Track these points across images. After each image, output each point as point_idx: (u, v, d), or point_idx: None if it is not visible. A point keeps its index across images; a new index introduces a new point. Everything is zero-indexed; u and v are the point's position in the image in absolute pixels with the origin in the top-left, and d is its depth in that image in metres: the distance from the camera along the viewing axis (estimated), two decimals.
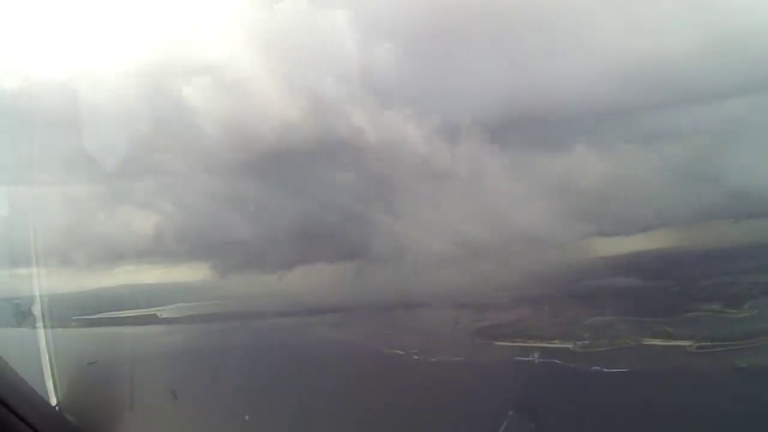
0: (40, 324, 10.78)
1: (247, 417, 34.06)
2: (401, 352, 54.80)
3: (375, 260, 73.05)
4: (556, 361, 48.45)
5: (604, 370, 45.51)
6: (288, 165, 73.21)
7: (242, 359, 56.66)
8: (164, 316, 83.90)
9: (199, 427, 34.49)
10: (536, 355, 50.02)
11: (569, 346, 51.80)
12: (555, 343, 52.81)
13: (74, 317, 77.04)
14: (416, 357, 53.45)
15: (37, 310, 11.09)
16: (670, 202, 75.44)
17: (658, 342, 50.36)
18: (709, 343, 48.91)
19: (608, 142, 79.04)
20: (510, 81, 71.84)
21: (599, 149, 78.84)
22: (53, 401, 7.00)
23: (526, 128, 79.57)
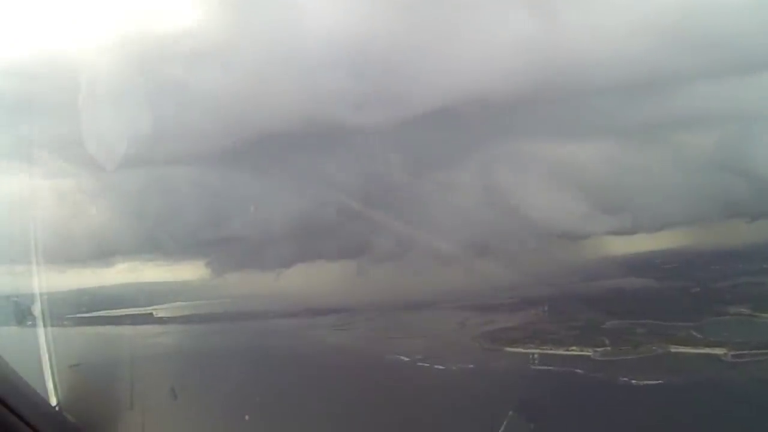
0: (40, 323, 10.15)
1: (247, 417, 31.54)
2: (405, 358, 49.01)
3: (377, 258, 67.90)
4: (578, 371, 42.30)
5: (633, 382, 39.25)
6: (282, 152, 67.29)
7: (238, 364, 52.18)
8: (163, 315, 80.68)
9: (199, 426, 32.51)
10: (554, 364, 43.97)
11: (589, 353, 45.76)
12: (573, 350, 46.80)
13: (74, 315, 74.51)
14: (421, 364, 47.60)
15: (36, 309, 10.38)
16: (689, 198, 69.31)
17: (687, 349, 44.28)
18: (744, 351, 42.76)
19: (627, 126, 72.05)
20: (519, 50, 64.29)
21: (615, 135, 72.32)
22: (53, 401, 6.44)
23: (536, 107, 71.82)
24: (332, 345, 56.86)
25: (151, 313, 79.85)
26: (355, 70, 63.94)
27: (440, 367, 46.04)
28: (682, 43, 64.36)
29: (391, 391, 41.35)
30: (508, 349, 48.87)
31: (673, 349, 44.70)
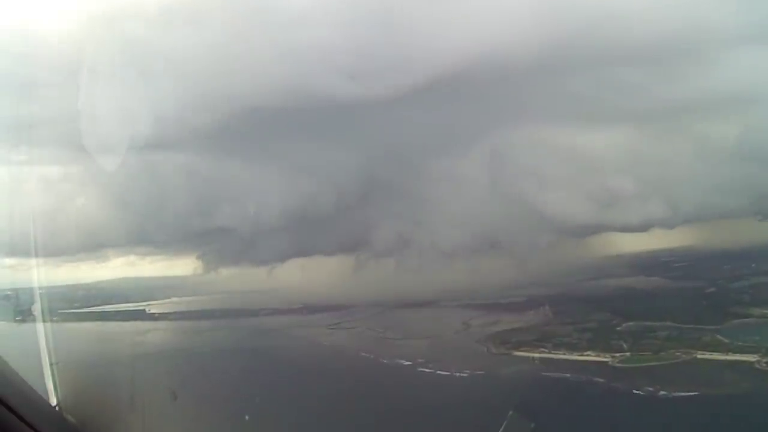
0: (39, 320, 9.74)
1: (246, 417, 29.86)
2: (405, 362, 43.60)
3: (376, 252, 62.81)
4: (599, 379, 36.78)
5: (661, 393, 33.64)
6: (267, 131, 60.83)
7: (233, 365, 47.58)
8: (162, 311, 76.98)
9: (197, 424, 30.56)
10: (569, 371, 38.54)
11: (606, 359, 40.42)
12: (588, 356, 41.43)
13: (72, 310, 71.45)
14: (422, 369, 42.14)
15: (35, 306, 9.96)
16: (706, 193, 63.88)
17: (715, 356, 38.94)
18: None
19: (647, 104, 65.51)
20: (531, 12, 56.45)
21: (631, 122, 65.99)
22: (53, 401, 6.18)
23: (548, 79, 64.74)
24: (328, 346, 51.54)
25: (150, 310, 76.31)
26: (347, 33, 56.99)
27: (444, 373, 40.51)
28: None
29: (391, 401, 35.83)
30: (517, 353, 43.45)
31: (700, 355, 39.30)
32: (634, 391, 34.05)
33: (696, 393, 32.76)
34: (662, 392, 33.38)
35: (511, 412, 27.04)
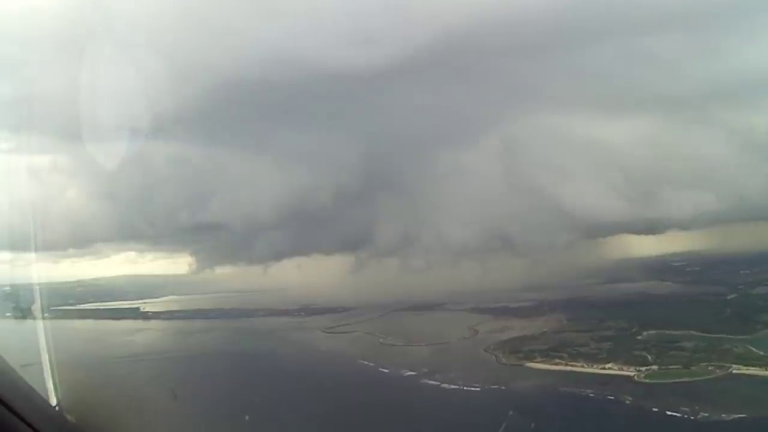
0: (39, 320, 9.63)
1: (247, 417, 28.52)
2: (410, 373, 38.55)
3: (378, 251, 58.27)
4: (626, 397, 31.55)
5: (701, 415, 28.29)
6: (258, 110, 55.58)
7: (230, 367, 43.63)
8: (162, 309, 72.54)
9: (197, 424, 29.47)
10: (590, 387, 33.28)
11: (631, 373, 35.32)
12: (610, 369, 36.31)
13: (71, 307, 67.91)
14: (427, 380, 37.06)
15: (36, 307, 9.85)
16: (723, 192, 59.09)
17: (754, 371, 33.76)
18: None
19: (671, 93, 60.40)
20: None
21: (655, 108, 60.90)
22: (53, 401, 5.68)
23: (566, 59, 59.21)
24: (324, 351, 46.65)
25: (148, 307, 72.24)
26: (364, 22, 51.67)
27: (450, 386, 35.33)
28: None
29: (393, 419, 30.71)
30: (531, 364, 38.34)
31: (736, 369, 34.12)
32: (668, 413, 28.79)
33: (743, 415, 27.42)
34: (702, 414, 28.11)
35: (511, 412, 25.74)
